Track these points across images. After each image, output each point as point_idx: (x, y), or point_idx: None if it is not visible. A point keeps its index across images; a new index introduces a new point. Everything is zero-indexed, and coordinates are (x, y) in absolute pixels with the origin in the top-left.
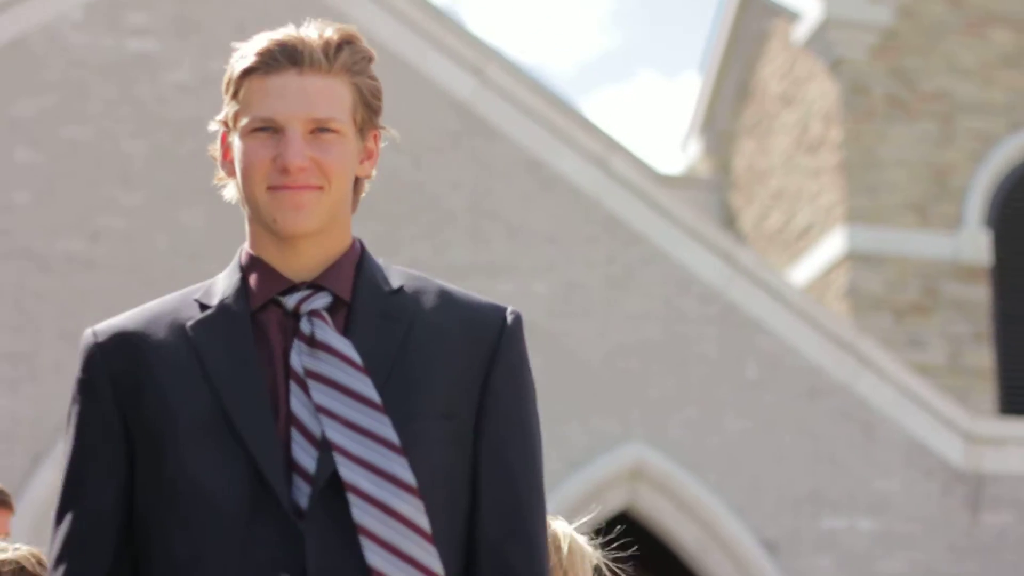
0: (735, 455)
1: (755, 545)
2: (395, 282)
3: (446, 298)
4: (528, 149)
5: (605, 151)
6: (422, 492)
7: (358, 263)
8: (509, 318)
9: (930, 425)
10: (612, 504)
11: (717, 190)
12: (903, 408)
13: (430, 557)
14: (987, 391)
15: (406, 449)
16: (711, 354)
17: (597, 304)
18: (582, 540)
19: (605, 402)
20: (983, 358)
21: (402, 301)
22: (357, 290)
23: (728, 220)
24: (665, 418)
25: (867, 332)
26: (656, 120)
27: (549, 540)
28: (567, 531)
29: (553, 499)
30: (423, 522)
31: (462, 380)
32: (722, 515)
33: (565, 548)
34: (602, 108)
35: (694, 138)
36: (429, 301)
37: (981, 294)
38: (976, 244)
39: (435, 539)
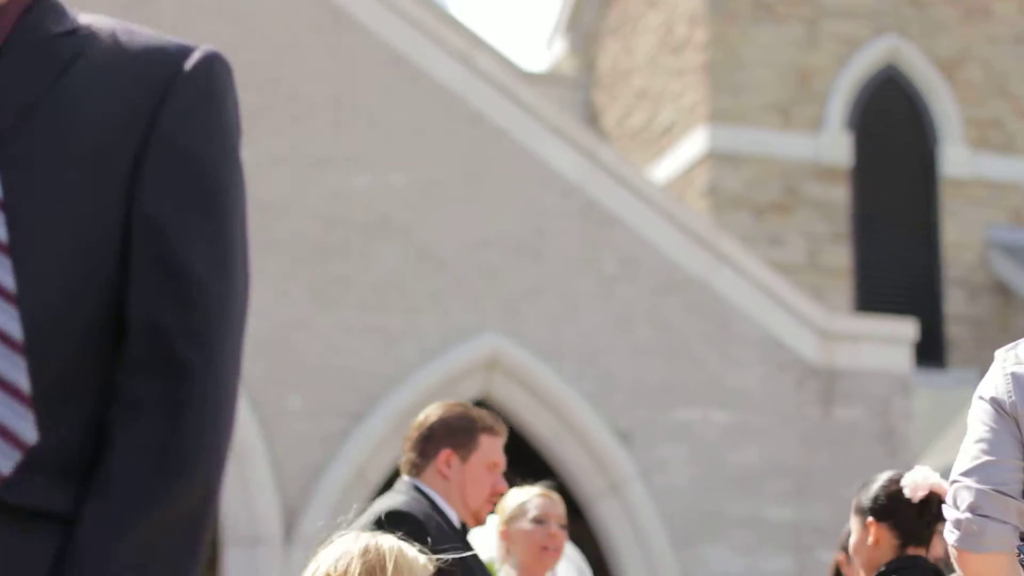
0: (591, 347)
1: (609, 435)
2: (70, 25)
3: (128, 37)
4: (392, 44)
5: (469, 47)
6: (29, 251)
7: (28, 7)
8: (196, 55)
9: (786, 321)
10: (467, 394)
11: (581, 88)
12: (759, 304)
13: (21, 422)
14: (844, 289)
15: (18, 200)
16: (570, 248)
17: (457, 198)
18: (411, 552)
19: (462, 294)
20: (841, 257)
21: (70, 42)
22: (13, 33)
23: (591, 118)
24: (522, 310)
25: (726, 230)
26: (521, 19)
27: (371, 561)
28: (392, 546)
29: (409, 388)
30: (19, 380)
31: (115, 120)
32: (577, 405)
33: (390, 568)
34: (468, 5)
35: (559, 37)
36: (105, 41)
37: (840, 195)
38: (837, 146)
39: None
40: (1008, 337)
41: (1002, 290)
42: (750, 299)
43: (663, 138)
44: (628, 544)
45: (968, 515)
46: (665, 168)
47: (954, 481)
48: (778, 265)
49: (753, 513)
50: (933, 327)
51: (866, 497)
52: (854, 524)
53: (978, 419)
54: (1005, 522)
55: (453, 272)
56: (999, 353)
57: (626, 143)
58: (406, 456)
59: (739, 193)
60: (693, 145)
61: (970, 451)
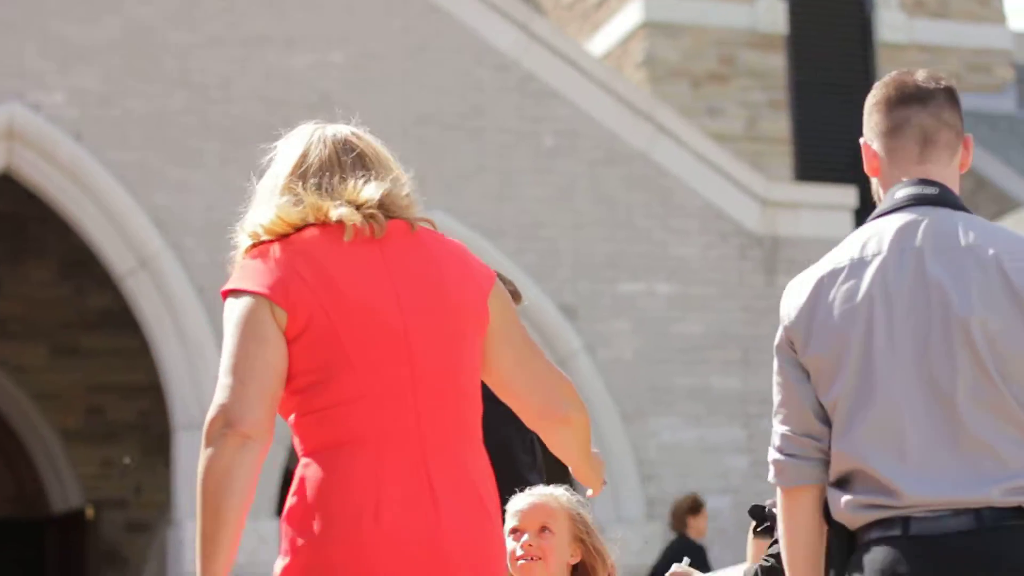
0: (533, 222)
1: (554, 310)
2: None
3: None
4: None
5: None
6: None
7: None
8: None
9: (727, 191)
10: None
11: None
12: (700, 174)
13: None
14: (783, 158)
15: None
16: (509, 123)
17: (394, 75)
18: (572, 499)
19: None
20: (779, 126)
21: None
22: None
23: None
24: (463, 187)
25: (665, 101)
26: None
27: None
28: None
29: None
30: None
31: None
32: (520, 281)
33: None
34: None
35: None
36: None
37: (777, 62)
38: (773, 12)
39: None
40: None
41: None
42: (690, 170)
43: (599, 10)
44: None
45: (778, 456)
46: (602, 41)
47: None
48: (717, 135)
49: (700, 384)
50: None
51: None
52: None
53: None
54: (808, 458)
55: (393, 150)
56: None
57: (562, 15)
58: None
59: (676, 64)
60: (629, 16)
61: (774, 398)
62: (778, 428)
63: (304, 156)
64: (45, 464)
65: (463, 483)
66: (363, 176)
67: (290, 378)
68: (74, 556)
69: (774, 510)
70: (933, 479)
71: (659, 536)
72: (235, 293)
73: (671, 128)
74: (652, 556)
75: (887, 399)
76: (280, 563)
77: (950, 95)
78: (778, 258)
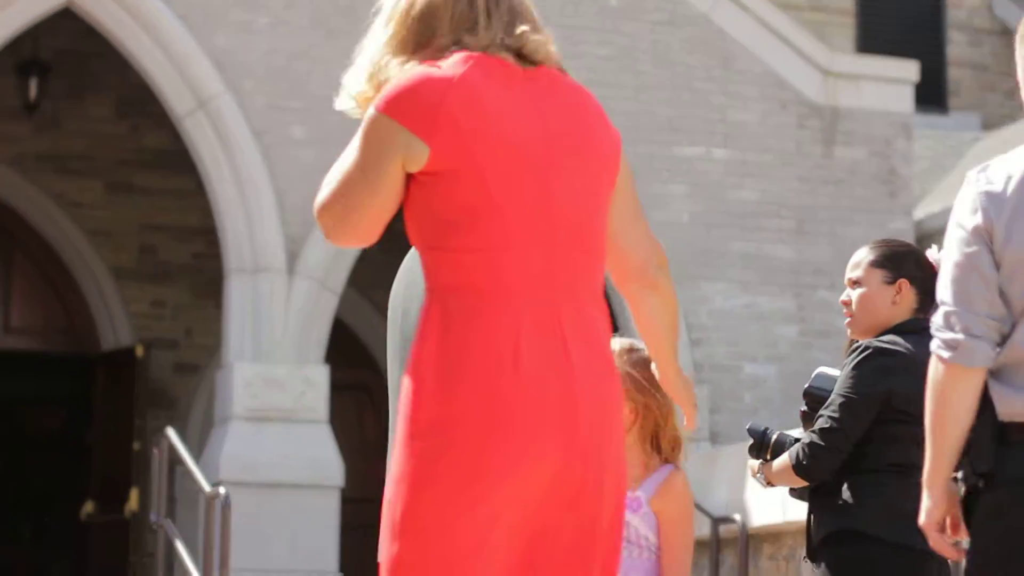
0: (593, 81)
1: None
2: None
3: None
4: None
5: None
6: None
7: None
8: None
9: (788, 59)
10: None
11: None
12: (762, 41)
13: None
14: (846, 29)
15: None
16: None
17: None
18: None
19: None
20: None
21: None
22: None
23: None
24: None
25: None
26: None
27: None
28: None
29: None
30: None
31: None
32: None
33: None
34: None
35: None
36: None
37: None
38: None
39: None
40: (1009, 82)
41: (1005, 34)
42: (752, 36)
43: None
44: None
45: (962, 336)
46: None
47: (943, 305)
48: (781, 3)
49: (753, 251)
50: (935, 70)
51: (891, 254)
52: (871, 279)
53: (955, 246)
54: (991, 340)
55: None
56: (970, 175)
57: None
58: None
59: None
60: None
61: (953, 279)
62: (959, 308)
63: None
64: (96, 301)
65: (592, 338)
66: (514, 17)
67: (429, 211)
68: (122, 394)
69: (772, 435)
70: None
71: (705, 400)
72: (381, 112)
73: None
74: (698, 419)
75: None
76: (409, 406)
77: None
78: (837, 129)
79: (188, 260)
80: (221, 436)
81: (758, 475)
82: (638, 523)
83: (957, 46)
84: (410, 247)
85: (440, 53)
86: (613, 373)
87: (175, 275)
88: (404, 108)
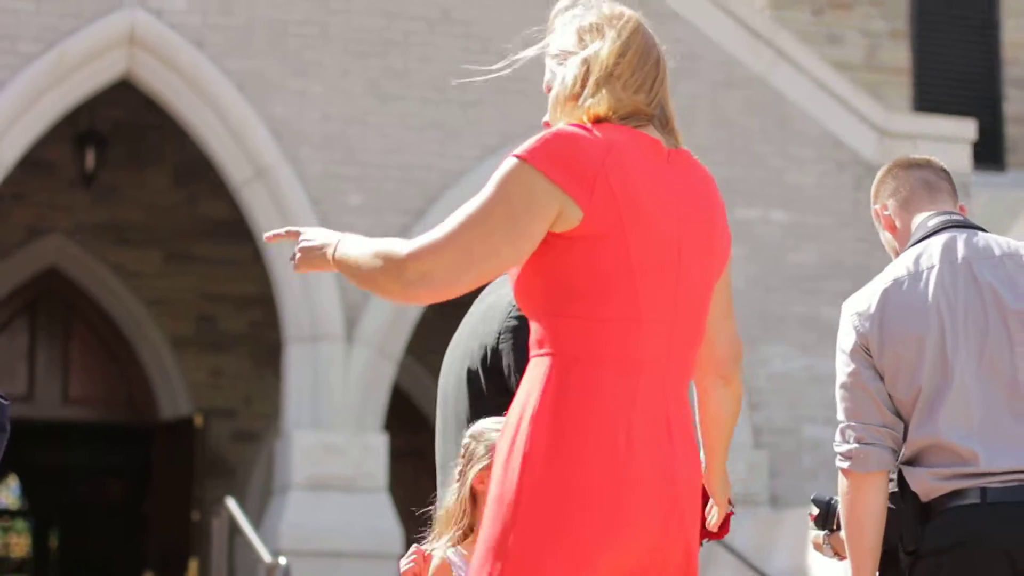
0: None
1: None
2: None
3: None
4: None
5: None
6: None
7: None
8: None
9: (845, 119)
10: None
11: None
12: (819, 102)
13: None
14: (902, 88)
15: None
16: None
17: None
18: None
19: (522, 89)
20: (899, 56)
21: None
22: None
23: None
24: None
25: (785, 26)
26: None
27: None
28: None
29: (469, 184)
30: None
31: None
32: None
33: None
34: None
35: None
36: None
37: None
38: None
39: None
40: None
41: None
42: (809, 97)
43: None
44: None
45: (856, 445)
46: None
47: (839, 423)
48: (836, 63)
49: (812, 313)
50: (992, 127)
51: None
52: None
53: (840, 370)
54: (884, 446)
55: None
56: (844, 305)
57: None
58: None
59: None
60: None
61: (842, 398)
62: (851, 421)
63: (634, 48)
64: (155, 370)
65: (687, 419)
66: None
67: (559, 275)
68: (181, 463)
69: (837, 505)
70: (1007, 450)
71: (764, 464)
72: (534, 167)
73: (791, 54)
74: (758, 483)
75: (961, 385)
76: (516, 470)
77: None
78: None
79: (246, 329)
80: (280, 505)
81: (824, 546)
82: None
83: (1014, 103)
84: (463, 312)
85: (622, 107)
86: (699, 455)
87: (233, 344)
88: (562, 167)
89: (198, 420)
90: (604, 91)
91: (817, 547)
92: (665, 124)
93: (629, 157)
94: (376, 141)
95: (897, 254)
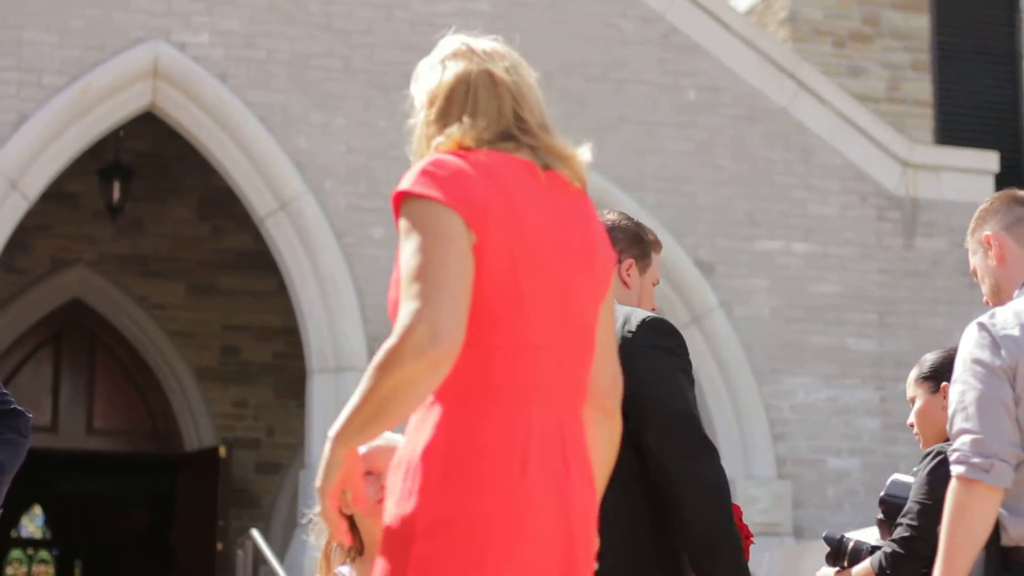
0: (672, 177)
1: (691, 266)
2: None
3: None
4: None
5: None
6: None
7: None
8: None
9: (867, 151)
10: None
11: None
12: (841, 134)
13: None
14: (924, 120)
15: None
16: (651, 76)
17: (538, 23)
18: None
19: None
20: (922, 88)
21: None
22: None
23: None
24: (603, 140)
25: (807, 59)
26: None
27: None
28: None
29: None
30: None
31: None
32: (659, 235)
33: None
34: None
35: None
36: None
37: (922, 24)
38: None
39: None
40: None
41: None
42: (832, 129)
43: None
44: (711, 375)
45: (995, 460)
46: None
47: (969, 434)
48: (858, 96)
49: (835, 344)
50: (1015, 159)
51: (930, 366)
52: (919, 393)
53: (978, 381)
54: (1012, 465)
55: None
56: (982, 320)
57: None
58: None
59: (819, 22)
60: None
61: (979, 410)
62: (989, 436)
63: (478, 73)
64: (179, 401)
65: (583, 446)
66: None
67: None
68: (205, 494)
69: (848, 542)
70: None
71: (788, 495)
72: (422, 199)
73: (813, 86)
74: (781, 513)
75: None
76: (411, 502)
77: None
78: (917, 221)
79: (270, 360)
80: (305, 536)
81: None
82: None
83: None
84: None
85: (487, 132)
86: (595, 482)
87: (257, 375)
88: (450, 191)
89: (222, 451)
90: (465, 118)
91: None
92: (539, 142)
93: (508, 182)
94: (400, 174)
95: (998, 286)
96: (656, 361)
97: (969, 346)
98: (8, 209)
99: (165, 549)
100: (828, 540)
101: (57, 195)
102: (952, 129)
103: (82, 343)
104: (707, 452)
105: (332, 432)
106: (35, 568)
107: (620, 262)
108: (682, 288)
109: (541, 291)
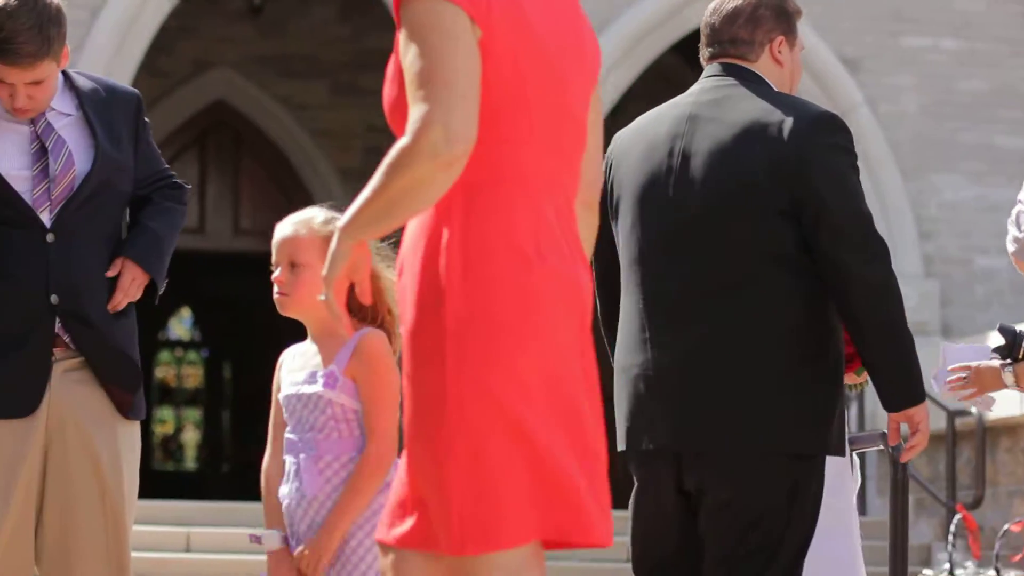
0: None
1: (836, 62)
2: None
3: None
4: None
5: None
6: None
7: None
8: None
9: None
10: (689, 25)
11: None
12: None
13: None
14: None
15: None
16: None
17: None
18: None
19: None
20: None
21: None
22: None
23: None
24: None
25: None
26: None
27: None
28: None
29: (635, 16)
30: None
31: None
32: (802, 32)
33: None
34: None
35: None
36: None
37: None
38: None
39: None
40: None
41: None
42: None
43: None
44: None
45: None
46: None
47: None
48: None
49: (984, 142)
50: None
51: None
52: None
53: None
54: None
55: None
56: None
57: None
58: (723, 36)
59: None
60: None
61: None
62: None
63: None
64: (324, 202)
65: (578, 236)
66: None
67: None
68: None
69: None
70: None
71: (936, 293)
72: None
73: None
74: (929, 312)
75: None
76: (437, 301)
77: None
78: None
79: None
80: None
81: (1005, 374)
82: (342, 398)
83: None
84: None
85: None
86: (590, 270)
87: None
88: None
89: None
90: None
91: (988, 377)
92: None
93: None
94: None
95: None
96: (832, 160)
97: None
98: (150, 11)
99: None
100: (1003, 331)
101: None
102: None
103: (226, 144)
104: (879, 254)
105: (340, 223)
106: (184, 370)
107: (771, 41)
108: (826, 84)
109: (542, 84)
